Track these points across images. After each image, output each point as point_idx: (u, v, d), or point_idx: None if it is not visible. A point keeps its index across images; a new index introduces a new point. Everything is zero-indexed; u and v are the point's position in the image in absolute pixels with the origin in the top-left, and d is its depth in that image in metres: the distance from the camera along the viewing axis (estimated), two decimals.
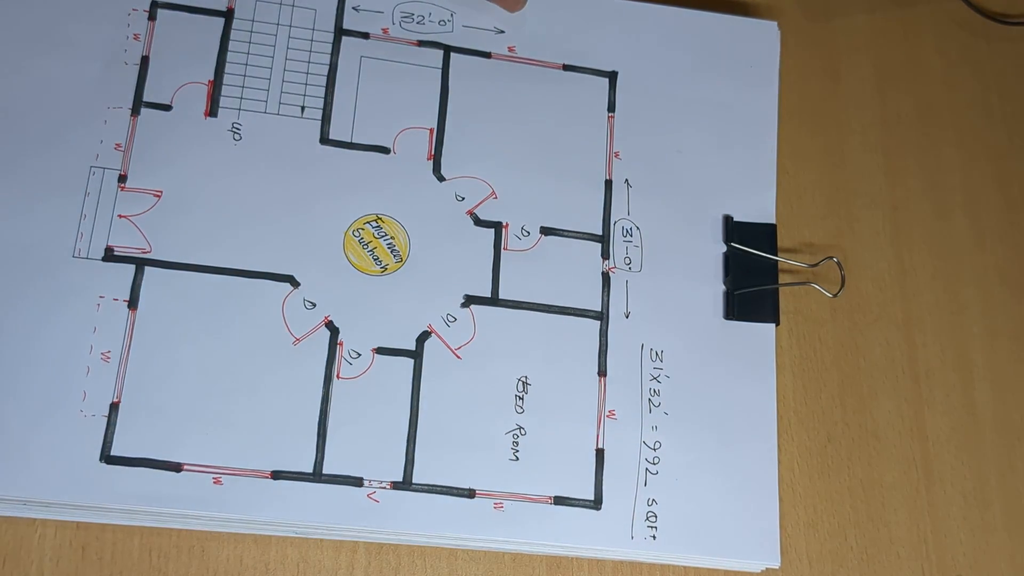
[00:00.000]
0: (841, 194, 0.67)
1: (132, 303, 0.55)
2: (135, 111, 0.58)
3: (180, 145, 0.58)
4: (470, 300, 0.59)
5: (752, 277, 0.61)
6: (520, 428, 0.57)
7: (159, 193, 0.57)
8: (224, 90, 0.59)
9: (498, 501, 0.55)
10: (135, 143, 0.58)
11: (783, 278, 0.63)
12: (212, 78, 0.59)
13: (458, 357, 0.58)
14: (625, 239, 0.61)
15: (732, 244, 0.62)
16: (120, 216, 0.56)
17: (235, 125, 0.59)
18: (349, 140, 0.60)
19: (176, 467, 0.53)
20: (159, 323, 0.55)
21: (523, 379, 0.58)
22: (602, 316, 0.60)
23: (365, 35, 0.62)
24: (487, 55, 0.63)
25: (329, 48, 0.61)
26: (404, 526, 0.54)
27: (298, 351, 0.56)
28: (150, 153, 0.57)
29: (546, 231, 0.61)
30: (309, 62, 0.61)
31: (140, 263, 0.56)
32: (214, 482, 0.53)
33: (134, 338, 0.54)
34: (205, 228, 0.57)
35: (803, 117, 0.68)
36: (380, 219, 0.60)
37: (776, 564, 0.57)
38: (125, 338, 0.54)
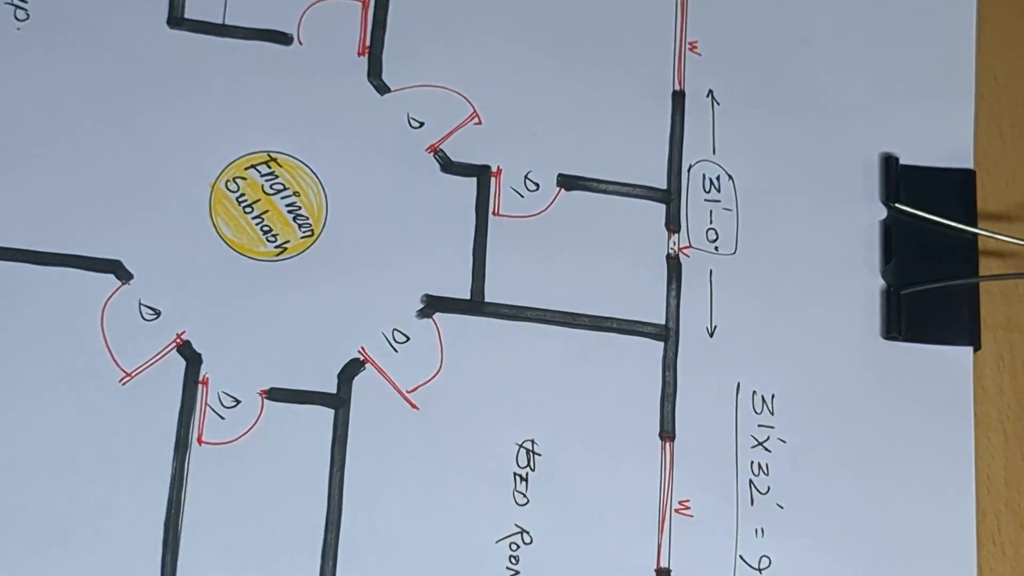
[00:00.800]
0: None
1: None
2: None
3: None
4: (433, 305, 0.58)
5: (932, 264, 0.61)
6: (522, 532, 0.56)
7: None
8: None
9: None
10: None
11: (987, 266, 0.62)
12: None
13: (413, 407, 0.57)
14: (708, 197, 0.61)
15: (897, 206, 0.61)
16: None
17: None
18: (219, 21, 0.60)
19: None
20: None
21: (528, 445, 0.57)
22: (668, 333, 0.59)
23: None
24: None
25: None
26: None
27: (129, 394, 0.55)
28: None
29: (568, 182, 0.61)
30: None
31: None
32: None
33: None
34: None
35: None
36: (274, 161, 0.59)
37: None
38: None
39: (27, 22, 0.58)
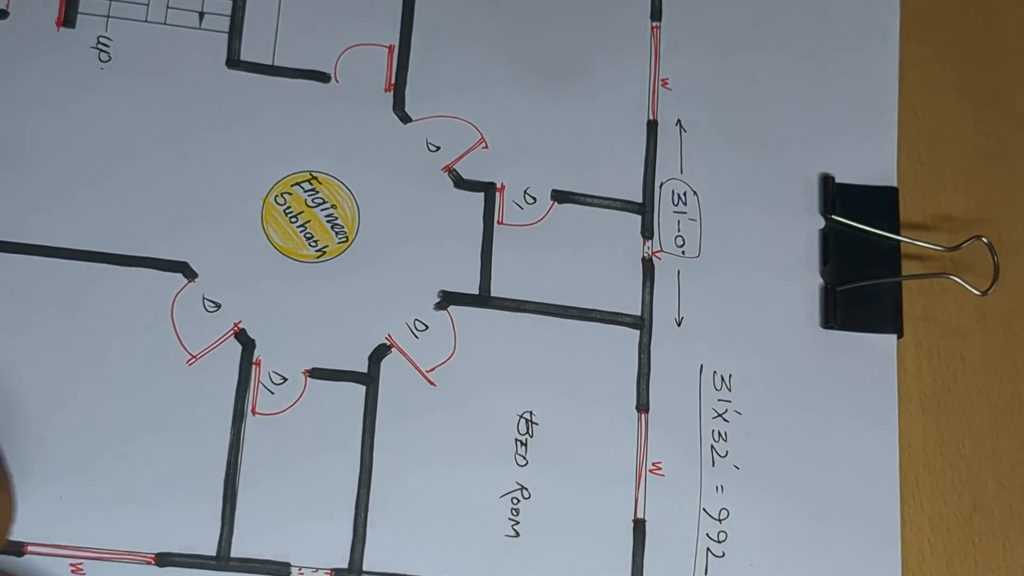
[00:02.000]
0: (994, 143, 0.67)
1: None
2: None
3: (19, 69, 0.59)
4: (448, 299, 0.60)
5: (863, 266, 0.62)
6: (522, 489, 0.58)
7: None
8: None
9: None
10: None
11: (908, 267, 0.63)
12: None
13: (431, 383, 0.59)
14: (676, 209, 0.63)
15: (833, 217, 0.63)
16: None
17: (102, 40, 0.60)
18: (270, 62, 0.61)
19: (17, 549, 0.54)
20: None
21: (527, 416, 0.59)
22: (643, 323, 0.61)
23: None
24: None
25: None
26: None
27: (194, 373, 0.57)
28: None
29: (560, 197, 0.62)
30: None
31: None
32: (72, 570, 0.54)
33: None
34: (54, 191, 0.58)
35: (938, 30, 0.68)
36: (315, 179, 0.60)
37: None
38: None
39: (109, 63, 0.59)
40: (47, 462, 0.55)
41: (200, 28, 0.61)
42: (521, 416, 0.59)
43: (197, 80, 0.60)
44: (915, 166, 0.66)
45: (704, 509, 0.59)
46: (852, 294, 0.62)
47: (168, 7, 0.61)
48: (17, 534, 0.54)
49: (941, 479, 0.62)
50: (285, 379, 0.57)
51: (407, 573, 0.56)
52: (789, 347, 0.61)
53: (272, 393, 0.57)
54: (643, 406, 0.60)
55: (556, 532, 0.58)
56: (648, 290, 0.61)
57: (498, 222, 0.61)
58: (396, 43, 0.62)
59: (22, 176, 0.58)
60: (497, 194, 0.61)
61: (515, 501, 0.58)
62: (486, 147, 0.62)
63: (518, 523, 0.57)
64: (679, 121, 0.64)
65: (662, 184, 0.63)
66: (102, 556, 0.54)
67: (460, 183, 0.61)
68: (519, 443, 0.58)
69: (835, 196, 0.63)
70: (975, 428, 0.63)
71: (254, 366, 0.57)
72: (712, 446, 0.60)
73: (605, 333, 0.60)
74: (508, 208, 0.61)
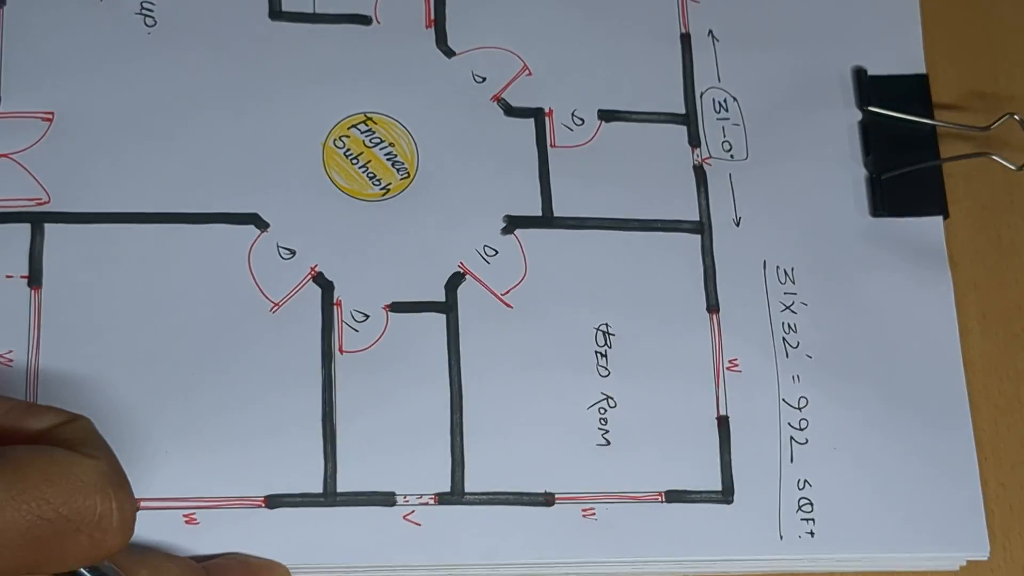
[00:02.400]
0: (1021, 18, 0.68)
1: (33, 279, 0.56)
2: None
3: (70, 41, 0.59)
4: (513, 223, 0.60)
5: (903, 152, 0.63)
6: (608, 399, 0.58)
7: (49, 116, 0.58)
8: None
9: (587, 506, 0.57)
10: (3, 44, 0.58)
11: (946, 149, 0.64)
12: None
13: (507, 306, 0.59)
14: (719, 116, 0.63)
15: (870, 108, 0.64)
16: None
17: (145, 5, 0.60)
18: (311, 10, 0.62)
19: None
20: (75, 303, 0.56)
21: (603, 328, 0.59)
22: (703, 227, 0.62)
23: None
24: None
25: None
26: (460, 555, 0.56)
27: (278, 320, 0.57)
28: (27, 58, 0.58)
29: (606, 115, 0.62)
30: None
31: (36, 220, 0.56)
32: (186, 521, 0.54)
33: (43, 328, 0.55)
34: (122, 159, 0.58)
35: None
36: (370, 120, 0.61)
37: (985, 554, 0.59)
38: (31, 330, 0.55)
39: (155, 27, 0.60)
40: (149, 420, 0.55)
41: None
42: (598, 329, 0.59)
43: (243, 35, 0.60)
44: (942, 50, 0.66)
45: (783, 399, 0.60)
46: (896, 181, 0.63)
47: None
48: None
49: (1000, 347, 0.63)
50: (367, 316, 0.58)
51: (509, 490, 0.57)
52: (844, 236, 0.62)
53: (356, 331, 0.58)
54: (713, 307, 0.60)
55: (645, 436, 0.58)
56: (703, 195, 0.62)
57: (551, 145, 0.61)
58: None
59: (86, 146, 0.58)
60: (546, 119, 0.62)
61: (602, 411, 0.58)
62: (529, 74, 0.62)
63: (608, 432, 0.58)
64: (710, 31, 0.64)
65: (702, 94, 0.63)
66: (213, 504, 0.54)
67: (510, 111, 0.62)
68: (599, 355, 0.59)
69: (869, 88, 0.64)
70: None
71: (335, 307, 0.58)
72: (783, 338, 0.60)
73: (667, 241, 0.61)
74: (558, 131, 0.62)
